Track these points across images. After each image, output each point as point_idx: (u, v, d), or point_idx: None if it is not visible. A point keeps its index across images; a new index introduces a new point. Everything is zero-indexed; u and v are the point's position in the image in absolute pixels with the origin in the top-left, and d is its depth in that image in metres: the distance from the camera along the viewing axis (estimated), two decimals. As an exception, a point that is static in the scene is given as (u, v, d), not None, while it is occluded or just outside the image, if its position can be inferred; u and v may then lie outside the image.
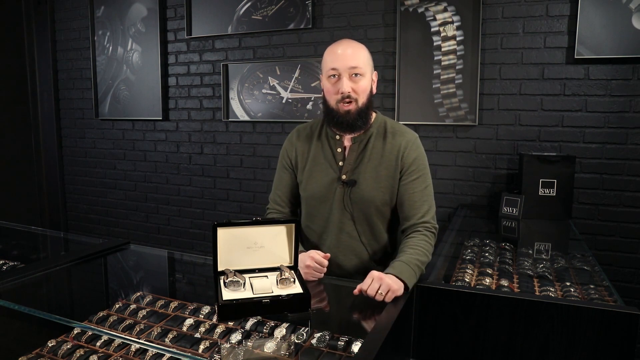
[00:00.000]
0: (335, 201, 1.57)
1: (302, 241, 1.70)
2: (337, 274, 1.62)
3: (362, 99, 1.51)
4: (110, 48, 3.65)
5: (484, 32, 2.57)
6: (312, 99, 3.02)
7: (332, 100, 1.52)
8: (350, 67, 1.47)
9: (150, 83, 3.50)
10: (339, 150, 1.57)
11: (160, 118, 3.49)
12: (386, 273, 1.31)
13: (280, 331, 1.15)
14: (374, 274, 1.29)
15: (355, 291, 1.28)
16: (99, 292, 1.57)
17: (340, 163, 1.57)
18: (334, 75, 1.49)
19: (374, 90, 1.58)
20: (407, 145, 1.55)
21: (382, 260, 1.64)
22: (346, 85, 1.48)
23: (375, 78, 1.58)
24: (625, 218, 2.41)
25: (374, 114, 1.60)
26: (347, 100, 1.49)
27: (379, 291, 1.24)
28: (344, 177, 1.55)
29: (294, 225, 1.26)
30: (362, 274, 1.61)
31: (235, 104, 3.26)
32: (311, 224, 1.64)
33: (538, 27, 2.47)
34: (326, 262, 1.43)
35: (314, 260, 1.41)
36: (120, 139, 3.74)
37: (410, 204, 1.53)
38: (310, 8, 2.93)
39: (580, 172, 2.46)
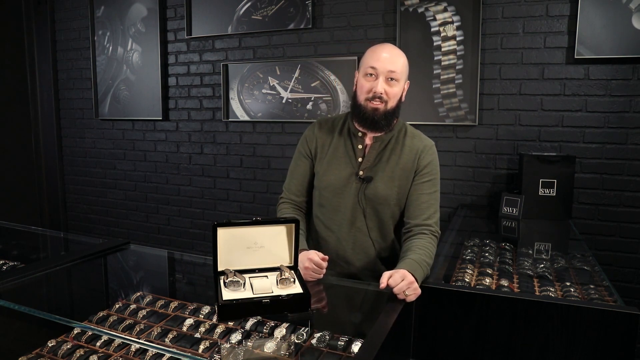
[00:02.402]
0: (350, 196, 1.59)
1: (309, 231, 1.72)
2: (344, 268, 1.63)
3: (391, 103, 1.54)
4: (110, 48, 3.65)
5: (484, 32, 2.57)
6: (312, 99, 3.02)
7: (362, 96, 1.55)
8: (388, 71, 1.51)
9: (150, 83, 3.50)
10: (360, 146, 1.61)
11: (160, 118, 3.49)
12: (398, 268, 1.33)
13: (280, 331, 1.15)
14: (405, 273, 1.30)
15: (382, 285, 1.29)
16: (99, 292, 1.57)
17: (360, 159, 1.60)
18: (372, 74, 1.53)
19: (403, 99, 1.61)
20: (425, 149, 1.60)
21: (388, 259, 1.65)
22: (380, 86, 1.51)
23: (407, 87, 1.61)
24: (625, 218, 2.41)
25: (396, 120, 1.64)
26: (378, 100, 1.52)
27: (406, 292, 1.27)
28: (361, 173, 1.58)
29: (294, 225, 1.26)
30: (368, 270, 1.63)
31: (235, 104, 3.26)
32: (321, 215, 1.65)
33: (538, 27, 2.47)
34: (325, 264, 1.43)
35: (312, 261, 1.41)
36: (120, 139, 3.74)
37: (417, 204, 1.56)
38: (310, 8, 2.93)
39: (580, 172, 2.46)
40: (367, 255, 1.62)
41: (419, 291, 1.30)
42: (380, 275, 1.63)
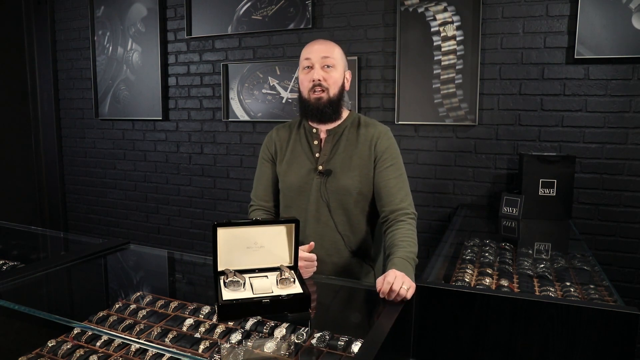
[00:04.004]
0: (313, 192, 1.61)
1: None
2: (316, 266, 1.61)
3: (333, 90, 1.58)
4: (110, 48, 3.65)
5: (484, 32, 2.57)
6: (312, 99, 3.02)
7: (305, 90, 1.60)
8: (322, 57, 1.57)
9: (150, 83, 3.50)
10: (316, 142, 1.63)
11: (160, 118, 3.49)
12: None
13: (280, 331, 1.15)
14: (396, 272, 1.28)
15: (382, 295, 1.25)
16: (99, 292, 1.57)
17: (317, 155, 1.62)
18: (308, 66, 1.58)
19: (347, 87, 1.66)
20: (380, 135, 1.61)
21: (360, 253, 1.65)
22: (317, 73, 1.57)
23: (348, 77, 1.66)
24: (625, 218, 2.41)
25: (347, 111, 1.68)
26: (319, 88, 1.57)
27: (401, 290, 1.24)
28: (320, 167, 1.60)
29: (294, 225, 1.26)
30: (340, 266, 1.63)
31: (235, 104, 3.26)
32: (288, 216, 1.67)
33: (538, 27, 2.47)
34: (314, 256, 1.44)
35: (302, 258, 1.42)
36: (120, 139, 3.74)
37: (386, 191, 1.57)
38: (310, 8, 2.93)
39: (580, 172, 2.46)
40: (338, 250, 1.62)
41: (414, 285, 1.28)
42: (353, 272, 1.65)
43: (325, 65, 1.57)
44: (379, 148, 1.59)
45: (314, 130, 1.64)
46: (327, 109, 1.58)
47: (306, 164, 1.62)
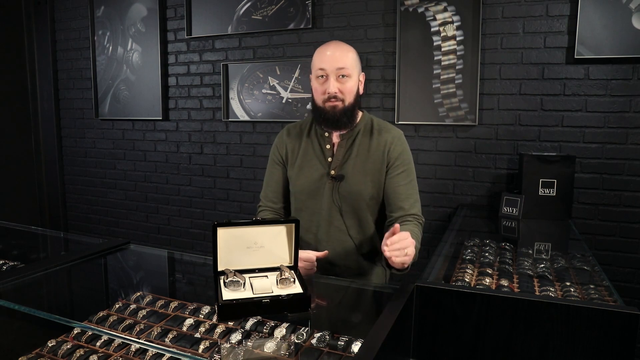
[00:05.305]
0: (325, 196, 1.61)
1: None
2: (327, 268, 1.63)
3: (348, 99, 1.56)
4: (110, 48, 3.65)
5: (484, 32, 2.57)
6: (312, 99, 3.02)
7: (320, 99, 1.58)
8: (337, 68, 1.53)
9: (150, 83, 3.50)
10: (328, 146, 1.63)
11: (160, 118, 3.49)
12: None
13: (280, 331, 1.15)
14: (404, 234, 1.30)
15: (389, 242, 1.27)
16: (99, 292, 1.57)
17: (329, 159, 1.62)
18: (322, 75, 1.55)
19: (361, 91, 1.63)
20: (393, 141, 1.61)
21: (371, 256, 1.67)
22: (333, 86, 1.53)
23: (362, 79, 1.63)
24: (625, 218, 2.41)
25: (360, 113, 1.66)
26: (334, 99, 1.54)
27: (406, 250, 1.28)
28: (332, 172, 1.60)
29: (293, 225, 1.26)
30: (351, 268, 1.64)
31: (235, 104, 3.26)
32: (300, 219, 1.66)
33: (538, 27, 2.47)
34: (313, 257, 1.45)
35: (302, 259, 1.43)
36: (120, 139, 3.74)
37: (395, 197, 1.57)
38: (310, 8, 2.92)
39: (580, 172, 2.46)
40: (348, 253, 1.63)
41: (412, 254, 1.33)
42: (365, 274, 1.66)
43: (340, 75, 1.54)
44: (392, 154, 1.59)
45: (326, 135, 1.63)
46: (343, 118, 1.57)
47: (318, 168, 1.62)
